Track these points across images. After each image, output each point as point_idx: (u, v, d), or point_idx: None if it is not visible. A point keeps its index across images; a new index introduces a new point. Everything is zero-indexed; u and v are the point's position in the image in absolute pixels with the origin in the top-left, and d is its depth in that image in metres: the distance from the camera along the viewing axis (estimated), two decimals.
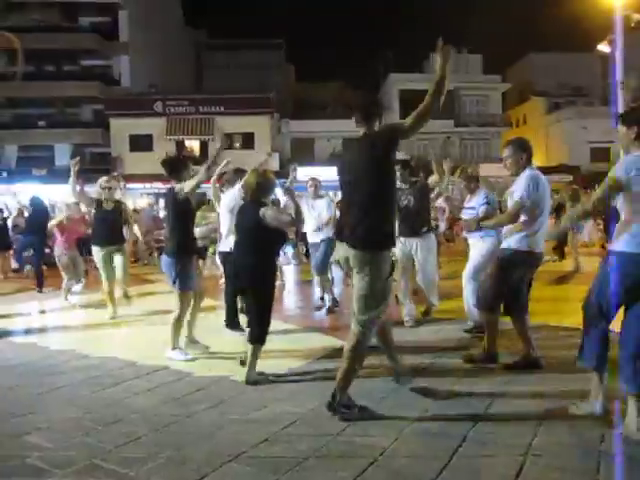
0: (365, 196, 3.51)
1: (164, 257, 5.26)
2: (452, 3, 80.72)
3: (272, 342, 4.70)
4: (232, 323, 6.08)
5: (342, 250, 3.64)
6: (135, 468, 2.97)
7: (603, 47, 16.93)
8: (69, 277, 8.51)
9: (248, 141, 30.64)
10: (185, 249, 5.20)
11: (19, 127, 31.00)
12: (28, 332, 6.73)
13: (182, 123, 30.38)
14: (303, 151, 32.40)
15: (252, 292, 4.44)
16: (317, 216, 7.39)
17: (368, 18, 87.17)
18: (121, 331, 6.65)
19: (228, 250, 5.80)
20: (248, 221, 4.46)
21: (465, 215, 6.08)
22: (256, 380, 4.33)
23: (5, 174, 29.32)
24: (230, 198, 6.13)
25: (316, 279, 7.72)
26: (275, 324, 6.94)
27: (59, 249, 8.55)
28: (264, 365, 4.51)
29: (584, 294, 3.53)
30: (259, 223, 4.35)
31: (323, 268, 7.40)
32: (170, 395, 4.17)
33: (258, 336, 4.39)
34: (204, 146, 30.96)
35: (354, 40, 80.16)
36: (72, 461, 3.06)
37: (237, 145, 30.98)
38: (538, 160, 35.16)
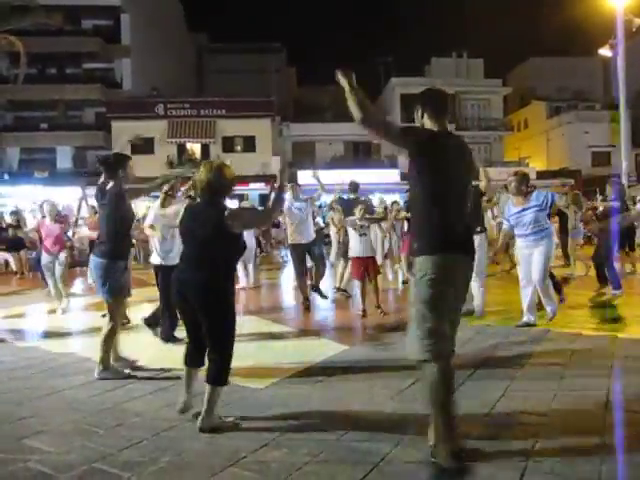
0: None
1: (95, 259, 4.81)
2: (453, 8, 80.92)
3: (270, 346, 4.70)
4: (172, 336, 5.89)
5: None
6: (136, 472, 2.98)
7: (604, 51, 16.97)
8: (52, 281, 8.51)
9: (249, 144, 30.71)
10: (122, 253, 4.89)
11: (21, 130, 31.08)
12: (30, 334, 6.73)
13: (183, 126, 30.44)
14: (304, 154, 32.43)
15: (208, 318, 3.53)
16: (300, 219, 7.81)
17: (369, 22, 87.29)
18: (121, 336, 6.63)
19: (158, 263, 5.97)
20: (203, 228, 3.57)
21: (518, 218, 6.33)
22: (215, 427, 3.53)
23: (7, 176, 29.37)
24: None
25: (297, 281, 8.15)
26: (272, 326, 7.05)
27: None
28: (263, 368, 4.50)
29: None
30: (220, 230, 3.54)
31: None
32: (170, 400, 4.15)
33: (218, 375, 3.59)
34: (205, 149, 31.02)
35: (355, 44, 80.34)
36: (73, 465, 3.06)
37: (238, 148, 31.06)
38: (539, 164, 35.24)
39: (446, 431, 2.90)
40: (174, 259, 5.40)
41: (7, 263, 14.60)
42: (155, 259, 6.15)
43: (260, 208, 5.89)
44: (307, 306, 7.87)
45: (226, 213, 3.55)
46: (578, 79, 38.19)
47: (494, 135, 35.73)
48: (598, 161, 33.72)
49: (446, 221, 3.06)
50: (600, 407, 3.77)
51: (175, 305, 3.90)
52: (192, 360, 3.75)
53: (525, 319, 6.38)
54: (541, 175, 31.94)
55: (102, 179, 5.08)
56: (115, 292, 4.75)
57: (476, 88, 35.06)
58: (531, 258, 6.31)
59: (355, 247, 7.47)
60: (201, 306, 3.52)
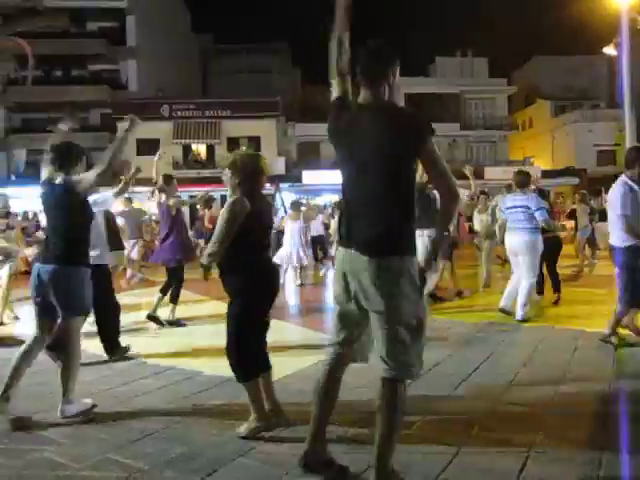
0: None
1: (47, 267, 3.84)
2: (457, 7, 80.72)
3: (279, 342, 4.76)
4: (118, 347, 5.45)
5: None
6: (148, 462, 3.06)
7: (609, 50, 16.96)
8: None
9: (254, 145, 30.80)
10: (78, 257, 3.93)
11: (28, 131, 31.24)
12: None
13: (189, 127, 30.58)
14: (309, 154, 32.52)
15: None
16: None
17: (373, 21, 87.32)
18: (130, 332, 6.73)
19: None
20: (268, 219, 3.79)
21: (513, 214, 6.52)
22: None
23: (14, 178, 29.59)
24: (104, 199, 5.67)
25: None
26: (282, 325, 7.13)
27: None
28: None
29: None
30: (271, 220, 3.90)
31: None
32: (180, 394, 4.25)
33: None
34: (211, 150, 31.16)
35: (359, 44, 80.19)
36: (87, 455, 3.16)
37: (243, 149, 31.14)
38: (544, 163, 35.19)
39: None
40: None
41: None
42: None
43: None
44: None
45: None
46: (583, 78, 38.12)
47: (499, 134, 35.72)
48: (603, 160, 33.66)
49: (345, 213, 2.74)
50: (602, 401, 3.84)
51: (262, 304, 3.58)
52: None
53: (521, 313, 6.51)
54: (546, 174, 31.96)
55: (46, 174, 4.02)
56: (77, 308, 3.87)
57: (480, 87, 35.07)
58: (516, 254, 6.60)
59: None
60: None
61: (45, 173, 4.00)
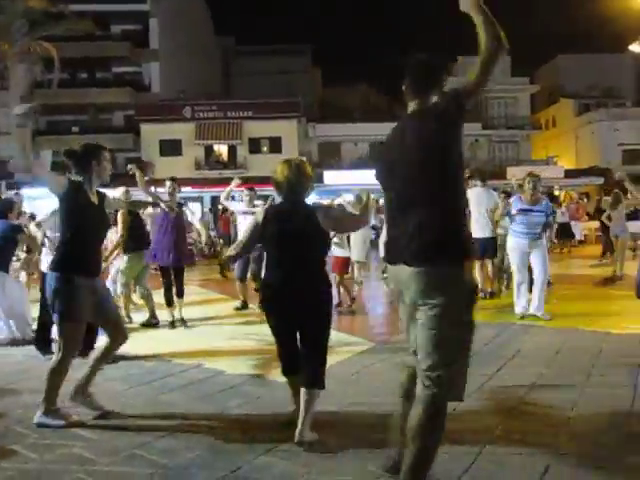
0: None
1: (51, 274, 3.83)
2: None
3: None
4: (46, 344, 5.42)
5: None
6: (174, 458, 3.13)
7: (635, 47, 16.72)
8: None
9: (276, 145, 30.94)
10: (78, 265, 3.79)
11: (54, 133, 31.79)
12: None
13: (211, 128, 30.83)
14: (330, 155, 32.56)
15: (314, 319, 3.37)
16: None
17: (395, 22, 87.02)
18: (155, 331, 6.84)
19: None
20: (303, 228, 3.37)
21: (528, 216, 6.62)
22: (314, 441, 3.28)
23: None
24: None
25: None
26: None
27: None
28: None
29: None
30: (318, 229, 3.39)
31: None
32: (203, 392, 4.32)
33: (321, 376, 3.39)
34: (232, 150, 31.37)
35: (381, 44, 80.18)
36: (114, 451, 3.23)
37: (265, 149, 31.33)
38: (568, 162, 34.76)
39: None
40: None
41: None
42: None
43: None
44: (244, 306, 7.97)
45: (319, 212, 3.42)
46: (608, 76, 37.49)
47: (521, 134, 35.32)
48: (629, 159, 33.10)
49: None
50: (627, 404, 3.80)
51: (271, 316, 3.51)
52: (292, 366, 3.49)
53: (541, 314, 6.63)
54: (570, 174, 31.53)
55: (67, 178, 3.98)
56: (69, 316, 3.73)
57: (503, 86, 34.67)
58: (527, 256, 6.70)
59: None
60: (308, 306, 3.34)
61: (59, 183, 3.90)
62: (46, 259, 5.66)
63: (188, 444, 3.32)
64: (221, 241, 19.97)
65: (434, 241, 2.45)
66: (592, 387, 4.19)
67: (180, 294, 6.94)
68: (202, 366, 5.03)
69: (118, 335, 3.96)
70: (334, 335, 6.28)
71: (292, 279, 3.34)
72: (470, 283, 2.53)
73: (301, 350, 3.40)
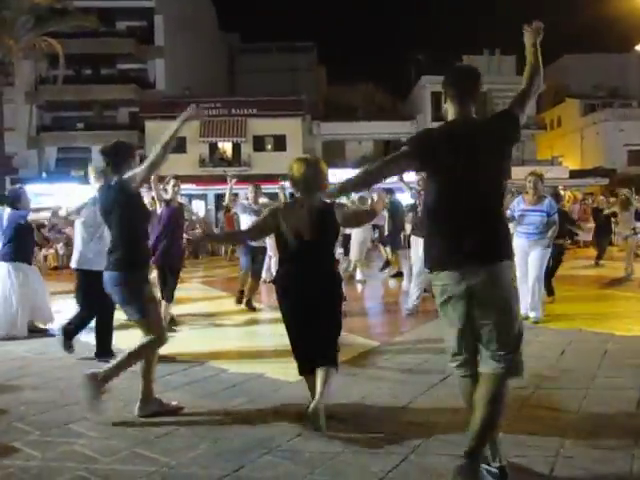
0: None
1: (111, 274, 3.85)
2: (485, 4, 79.87)
3: None
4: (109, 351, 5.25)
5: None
6: (175, 457, 3.11)
7: None
8: None
9: (280, 143, 30.90)
10: (138, 262, 3.91)
11: (58, 129, 31.85)
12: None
13: (215, 125, 30.78)
14: (334, 153, 32.50)
15: (329, 306, 3.63)
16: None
17: (400, 20, 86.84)
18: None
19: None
20: (323, 224, 3.59)
21: (529, 217, 6.56)
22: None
23: (45, 175, 30.18)
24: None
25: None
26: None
27: None
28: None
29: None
30: (334, 224, 3.65)
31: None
32: (207, 390, 4.31)
33: (336, 355, 3.68)
34: (237, 148, 31.36)
35: (386, 42, 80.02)
36: (116, 449, 3.21)
37: (269, 147, 31.31)
38: (572, 163, 34.62)
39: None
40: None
41: (46, 258, 15.07)
42: None
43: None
44: (251, 307, 7.79)
45: (336, 209, 3.64)
46: (614, 76, 37.35)
47: (526, 133, 35.12)
48: (634, 160, 32.97)
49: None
50: (632, 406, 3.77)
51: (288, 311, 3.66)
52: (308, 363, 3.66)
53: (533, 315, 6.52)
54: (574, 174, 31.41)
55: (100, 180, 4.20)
56: (147, 313, 3.84)
57: (508, 85, 34.50)
58: (528, 257, 6.58)
59: None
60: (326, 296, 3.59)
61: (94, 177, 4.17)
62: (86, 256, 5.41)
63: (190, 443, 3.31)
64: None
65: (498, 241, 2.77)
66: (597, 389, 4.15)
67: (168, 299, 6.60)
68: (205, 364, 5.02)
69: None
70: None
71: (310, 272, 3.53)
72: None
73: (317, 337, 3.58)
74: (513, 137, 2.87)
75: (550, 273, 7.69)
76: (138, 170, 3.81)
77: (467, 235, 2.71)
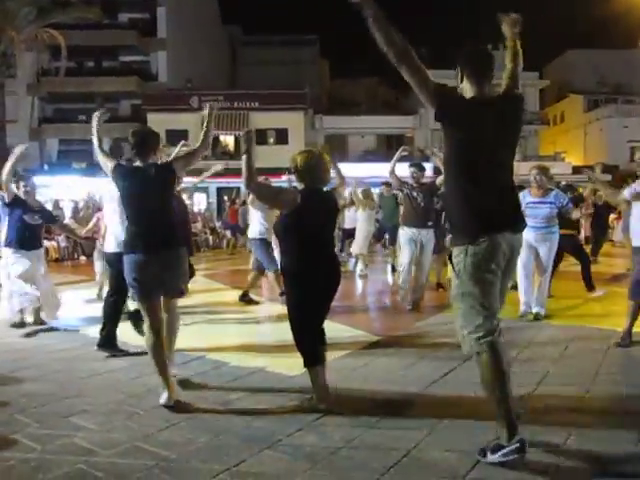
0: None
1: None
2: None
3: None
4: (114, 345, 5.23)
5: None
6: (175, 451, 3.09)
7: None
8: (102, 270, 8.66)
9: (282, 137, 30.82)
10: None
11: (60, 121, 31.78)
12: (71, 321, 6.95)
13: (217, 118, 30.32)
14: (336, 147, 32.39)
15: (334, 292, 3.83)
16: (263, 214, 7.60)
17: (402, 14, 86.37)
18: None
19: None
20: (328, 211, 3.85)
21: (535, 209, 6.45)
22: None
23: (47, 167, 30.15)
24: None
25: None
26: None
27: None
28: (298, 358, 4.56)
29: None
30: (336, 211, 3.96)
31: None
32: (207, 384, 4.28)
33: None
34: (239, 141, 31.29)
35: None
36: (115, 442, 3.20)
37: (271, 141, 31.24)
38: (575, 159, 34.52)
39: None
40: None
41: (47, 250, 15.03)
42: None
43: None
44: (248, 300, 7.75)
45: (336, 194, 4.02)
46: (617, 72, 37.17)
47: (529, 129, 35.02)
48: (637, 156, 32.86)
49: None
50: (636, 402, 3.75)
51: (302, 298, 3.73)
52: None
53: (537, 310, 6.46)
54: (577, 170, 31.31)
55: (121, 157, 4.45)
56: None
57: None
58: (534, 251, 6.50)
59: None
60: (337, 282, 3.80)
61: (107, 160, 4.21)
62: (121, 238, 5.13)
63: (190, 436, 3.29)
64: (228, 233, 19.99)
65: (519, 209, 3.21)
66: (600, 385, 4.13)
67: None
68: (205, 358, 5.00)
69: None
70: (339, 328, 6.29)
71: (325, 256, 3.77)
72: None
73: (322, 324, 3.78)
74: (522, 115, 3.24)
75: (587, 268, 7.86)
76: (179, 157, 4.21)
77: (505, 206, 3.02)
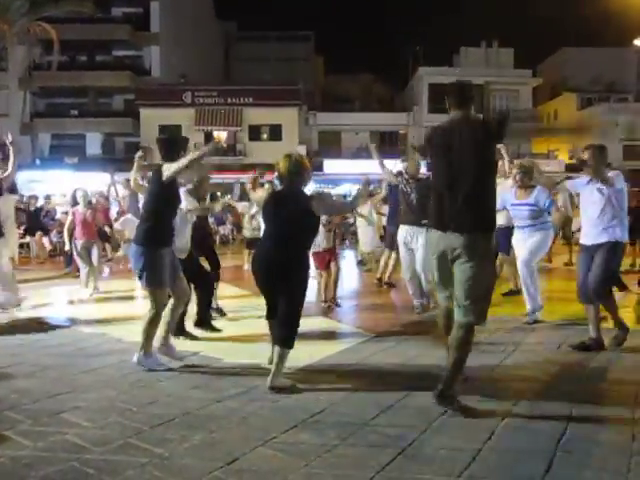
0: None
1: (132, 246, 4.67)
2: None
3: (303, 332, 4.72)
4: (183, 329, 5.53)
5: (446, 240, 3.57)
6: (169, 448, 3.06)
7: (639, 42, 16.60)
8: (84, 266, 8.65)
9: (276, 133, 30.78)
10: (156, 239, 4.49)
11: (52, 116, 31.60)
12: (61, 317, 6.91)
13: (211, 114, 30.62)
14: (330, 144, 32.41)
15: (289, 288, 4.07)
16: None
17: (398, 11, 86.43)
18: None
19: None
20: (292, 210, 4.08)
21: (516, 211, 6.36)
22: (283, 386, 4.00)
23: (38, 162, 29.96)
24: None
25: None
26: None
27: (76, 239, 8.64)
28: (295, 353, 4.54)
29: None
30: (308, 212, 4.08)
31: None
32: (201, 380, 4.26)
33: (288, 338, 4.03)
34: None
35: (384, 33, 79.62)
36: (108, 439, 3.16)
37: (265, 137, 31.17)
38: (567, 157, 34.61)
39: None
40: None
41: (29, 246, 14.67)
42: None
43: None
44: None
45: (314, 198, 4.22)
46: (611, 70, 37.29)
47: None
48: (630, 154, 33.00)
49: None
50: (630, 401, 3.76)
51: (257, 277, 4.25)
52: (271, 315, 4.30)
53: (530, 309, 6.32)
54: (570, 168, 31.42)
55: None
56: (153, 283, 4.46)
57: (505, 78, 34.49)
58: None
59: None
60: (285, 276, 4.04)
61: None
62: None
63: (184, 433, 3.26)
64: (221, 228, 19.95)
65: (477, 216, 3.55)
66: (594, 383, 4.15)
67: None
68: (200, 354, 4.97)
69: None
70: (335, 325, 6.29)
71: (276, 251, 4.10)
72: (494, 247, 3.81)
73: (278, 311, 4.13)
74: (486, 136, 3.63)
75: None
76: (171, 165, 4.42)
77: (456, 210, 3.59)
